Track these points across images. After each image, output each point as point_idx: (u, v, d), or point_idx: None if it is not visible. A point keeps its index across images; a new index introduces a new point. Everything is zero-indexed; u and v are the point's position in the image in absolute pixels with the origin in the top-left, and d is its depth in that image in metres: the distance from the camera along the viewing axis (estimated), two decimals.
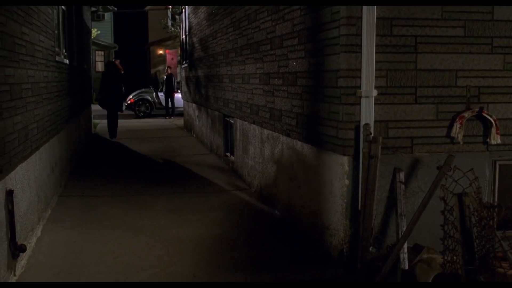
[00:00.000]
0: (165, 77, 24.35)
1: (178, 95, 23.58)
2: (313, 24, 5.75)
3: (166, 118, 23.34)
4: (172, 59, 41.54)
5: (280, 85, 6.90)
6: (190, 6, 15.70)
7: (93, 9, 21.21)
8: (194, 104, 15.79)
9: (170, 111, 23.83)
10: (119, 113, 15.77)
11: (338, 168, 5.30)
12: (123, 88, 15.56)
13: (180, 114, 23.37)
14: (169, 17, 39.45)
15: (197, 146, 14.10)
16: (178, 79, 30.42)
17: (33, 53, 6.43)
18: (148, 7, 44.62)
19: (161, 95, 24.96)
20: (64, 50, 9.91)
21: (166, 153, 12.91)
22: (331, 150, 5.41)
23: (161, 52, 43.04)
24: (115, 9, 40.52)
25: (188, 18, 16.24)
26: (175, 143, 14.70)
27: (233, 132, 10.22)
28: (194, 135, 16.04)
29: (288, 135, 6.69)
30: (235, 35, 9.43)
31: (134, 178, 9.83)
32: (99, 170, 10.76)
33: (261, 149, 8.05)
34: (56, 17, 8.90)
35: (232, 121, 10.30)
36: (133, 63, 44.71)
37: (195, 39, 14.89)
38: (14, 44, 5.35)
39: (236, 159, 9.99)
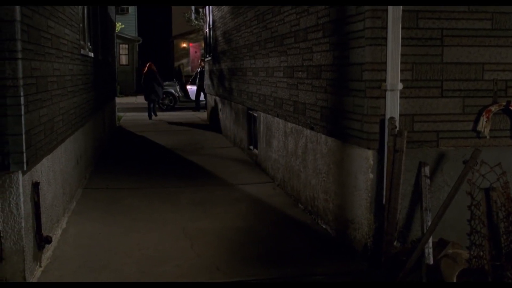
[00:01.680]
0: (198, 70, 24.07)
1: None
2: (338, 17, 5.72)
3: (193, 111, 23.27)
4: (196, 52, 41.63)
5: (304, 78, 6.88)
6: None
7: None
8: (217, 97, 15.82)
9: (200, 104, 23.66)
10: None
11: (363, 162, 5.27)
12: (160, 82, 20.76)
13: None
14: (192, 10, 39.55)
15: (220, 139, 14.12)
16: None
17: (59, 46, 6.47)
18: None
19: (189, 88, 24.92)
20: (89, 43, 9.97)
21: (190, 146, 12.95)
22: (355, 143, 5.38)
23: (184, 45, 43.15)
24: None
25: (212, 11, 16.25)
26: (198, 136, 14.74)
27: (256, 125, 10.21)
28: None
29: (312, 129, 6.66)
30: (259, 28, 9.41)
31: (158, 170, 9.88)
32: (123, 162, 10.83)
33: (284, 142, 8.04)
34: (81, 11, 8.95)
35: (255, 114, 10.30)
36: (157, 56, 44.90)
37: (218, 33, 14.90)
38: (40, 37, 5.40)
39: (259, 152, 9.99)
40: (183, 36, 42.45)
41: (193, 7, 40.03)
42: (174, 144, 13.24)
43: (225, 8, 13.47)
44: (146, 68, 20.52)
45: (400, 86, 4.99)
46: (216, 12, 15.25)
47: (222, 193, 8.16)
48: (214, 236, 6.18)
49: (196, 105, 23.67)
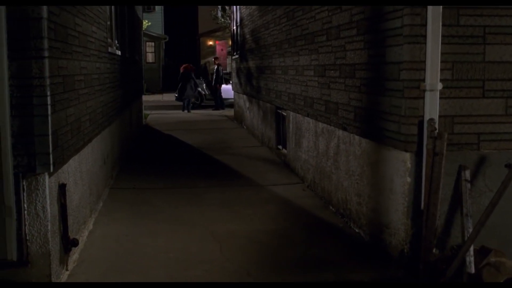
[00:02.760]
0: (215, 68, 24.09)
1: (227, 87, 23.49)
2: (374, 14, 5.51)
3: (213, 109, 23.21)
4: (222, 50, 41.57)
5: (336, 77, 6.68)
6: None
7: None
8: (245, 96, 15.66)
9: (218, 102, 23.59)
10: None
11: (400, 165, 5.05)
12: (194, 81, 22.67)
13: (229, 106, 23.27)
14: (219, 8, 39.47)
15: (248, 138, 13.96)
16: (228, 70, 30.52)
17: (86, 44, 6.35)
18: None
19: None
20: (116, 41, 9.86)
21: (217, 145, 12.81)
22: (392, 145, 5.17)
23: (210, 43, 43.12)
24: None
25: (240, 9, 16.09)
26: (225, 135, 14.60)
27: (285, 125, 10.03)
28: (244, 127, 15.91)
29: (344, 129, 6.46)
30: (289, 25, 9.22)
31: (185, 170, 9.75)
32: (149, 161, 10.73)
33: (315, 142, 7.84)
34: (108, 8, 8.84)
35: (284, 114, 10.11)
36: (183, 54, 44.90)
37: (246, 30, 14.74)
38: (67, 35, 5.27)
39: (288, 152, 9.80)
40: (209, 33, 42.43)
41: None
42: (201, 143, 13.11)
43: (253, 6, 13.30)
44: (183, 69, 22.62)
45: (439, 86, 4.78)
46: (244, 10, 15.09)
47: (250, 193, 7.99)
48: (244, 239, 6.01)
49: (220, 103, 23.44)
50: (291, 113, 9.34)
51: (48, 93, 4.44)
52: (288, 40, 9.29)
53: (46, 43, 4.40)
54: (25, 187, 4.46)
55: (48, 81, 4.43)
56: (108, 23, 8.78)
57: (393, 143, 5.12)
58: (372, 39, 5.58)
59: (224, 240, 5.97)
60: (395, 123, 5.04)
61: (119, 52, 9.90)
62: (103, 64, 7.74)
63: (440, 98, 4.81)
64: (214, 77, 23.57)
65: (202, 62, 43.08)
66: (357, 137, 6.11)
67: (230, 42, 34.44)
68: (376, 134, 5.55)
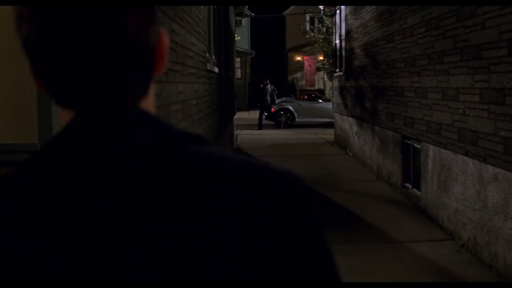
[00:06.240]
0: (268, 87, 22.76)
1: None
2: None
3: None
4: (310, 65, 39.91)
5: None
6: (349, 7, 13.70)
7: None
8: (351, 118, 13.75)
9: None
10: None
11: None
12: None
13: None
14: (307, 21, 37.81)
15: (357, 169, 12.00)
16: (317, 87, 29.33)
17: (184, 60, 4.67)
18: (286, 12, 43.09)
19: (301, 103, 23.35)
20: (213, 57, 8.19)
21: (324, 177, 10.92)
22: None
23: (298, 58, 41.51)
24: (252, 14, 39.23)
25: (346, 20, 14.22)
26: (330, 164, 12.69)
27: (420, 160, 8.04)
28: (350, 153, 13.97)
29: None
30: (430, 37, 7.30)
31: None
32: None
33: (479, 191, 5.86)
34: (206, 16, 7.18)
35: (418, 146, 8.14)
36: (270, 70, 43.48)
37: (355, 44, 12.86)
38: None
39: (424, 195, 7.81)
40: (298, 48, 40.83)
41: (307, 18, 38.31)
42: (304, 173, 11.21)
43: (367, 15, 11.43)
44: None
45: None
46: (353, 21, 13.21)
47: (389, 256, 6.08)
48: None
49: (260, 124, 22.31)
50: (431, 146, 7.38)
51: None
52: (429, 55, 7.36)
53: None
54: None
55: None
56: (206, 33, 7.11)
57: None
58: None
59: None
60: None
61: (216, 70, 8.23)
62: (201, 85, 6.08)
63: None
64: (268, 97, 22.47)
65: (290, 78, 41.52)
66: None
67: (319, 58, 32.62)
68: None
